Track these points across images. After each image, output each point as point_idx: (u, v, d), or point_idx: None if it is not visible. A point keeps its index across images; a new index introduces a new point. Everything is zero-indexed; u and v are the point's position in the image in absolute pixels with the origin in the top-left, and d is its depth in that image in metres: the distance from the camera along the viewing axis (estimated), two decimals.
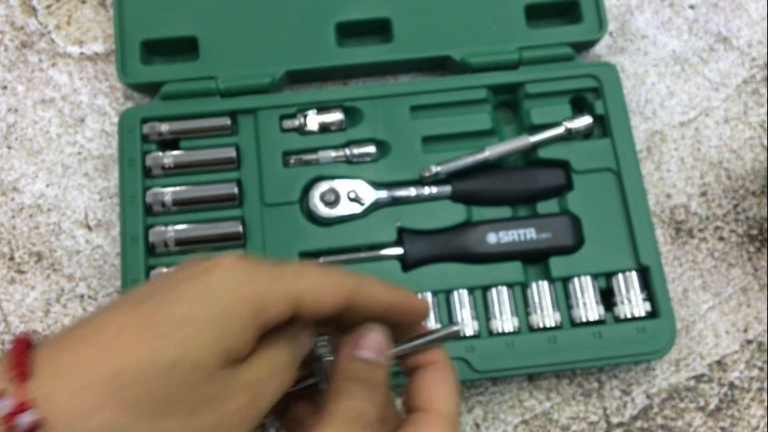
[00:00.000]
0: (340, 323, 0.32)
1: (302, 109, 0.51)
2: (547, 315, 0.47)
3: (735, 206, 0.53)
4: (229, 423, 0.27)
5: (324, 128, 0.51)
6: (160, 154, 0.50)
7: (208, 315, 0.27)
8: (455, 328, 0.35)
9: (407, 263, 0.48)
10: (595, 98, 0.51)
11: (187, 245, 0.48)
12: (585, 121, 0.49)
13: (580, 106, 0.52)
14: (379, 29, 0.54)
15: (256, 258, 0.30)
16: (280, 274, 0.29)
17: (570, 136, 0.50)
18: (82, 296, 0.50)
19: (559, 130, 0.49)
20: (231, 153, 0.50)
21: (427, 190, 0.49)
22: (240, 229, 0.48)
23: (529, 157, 0.51)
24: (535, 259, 0.49)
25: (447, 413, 0.32)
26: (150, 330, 0.26)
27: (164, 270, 0.47)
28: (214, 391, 0.27)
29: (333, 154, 0.50)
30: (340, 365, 0.31)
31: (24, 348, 0.26)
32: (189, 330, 0.26)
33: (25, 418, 0.24)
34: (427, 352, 0.34)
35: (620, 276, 0.48)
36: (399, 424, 0.32)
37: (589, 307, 0.47)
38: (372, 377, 0.31)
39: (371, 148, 0.50)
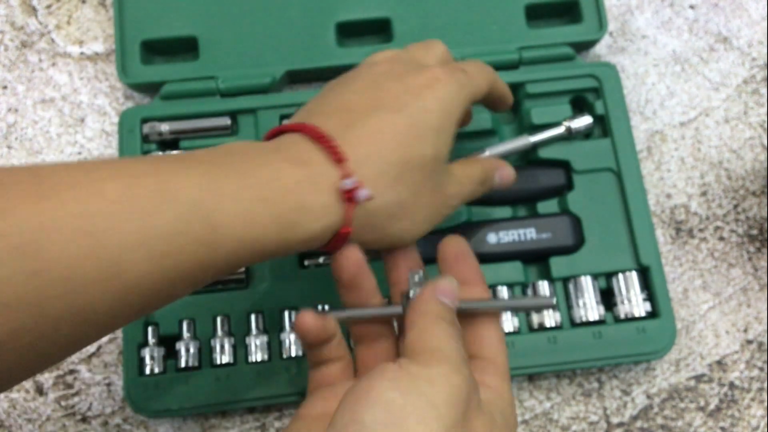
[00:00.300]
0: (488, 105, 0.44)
1: None
2: (547, 315, 0.47)
3: (735, 206, 0.53)
4: (447, 201, 0.38)
5: None
6: (161, 154, 0.50)
7: (448, 124, 0.36)
8: (551, 301, 0.37)
9: None
10: (595, 98, 0.51)
11: None
12: (585, 120, 0.49)
13: (580, 106, 0.52)
14: (379, 29, 0.54)
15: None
16: (468, 80, 0.38)
17: (570, 136, 0.50)
18: None
19: (559, 130, 0.49)
20: None
21: None
22: None
23: (529, 157, 0.51)
24: (535, 259, 0.49)
25: (504, 365, 0.35)
26: (416, 135, 0.35)
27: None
28: (443, 178, 0.37)
29: None
30: (421, 301, 0.34)
31: (330, 140, 0.33)
32: (440, 136, 0.36)
33: (363, 193, 0.33)
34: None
35: (620, 276, 0.48)
36: None
37: (589, 307, 0.47)
38: (447, 317, 0.33)
39: None
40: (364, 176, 0.33)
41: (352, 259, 0.36)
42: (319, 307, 0.47)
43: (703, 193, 0.53)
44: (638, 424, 0.48)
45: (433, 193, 0.36)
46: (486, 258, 0.48)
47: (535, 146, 0.50)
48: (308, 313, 0.35)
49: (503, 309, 0.39)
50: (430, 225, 0.37)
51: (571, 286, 0.48)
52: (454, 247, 0.38)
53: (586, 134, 0.51)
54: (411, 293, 0.36)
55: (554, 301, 0.37)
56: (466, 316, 0.36)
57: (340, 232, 0.33)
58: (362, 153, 0.34)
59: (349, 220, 0.33)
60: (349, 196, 0.33)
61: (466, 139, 0.51)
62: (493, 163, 0.43)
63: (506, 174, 0.43)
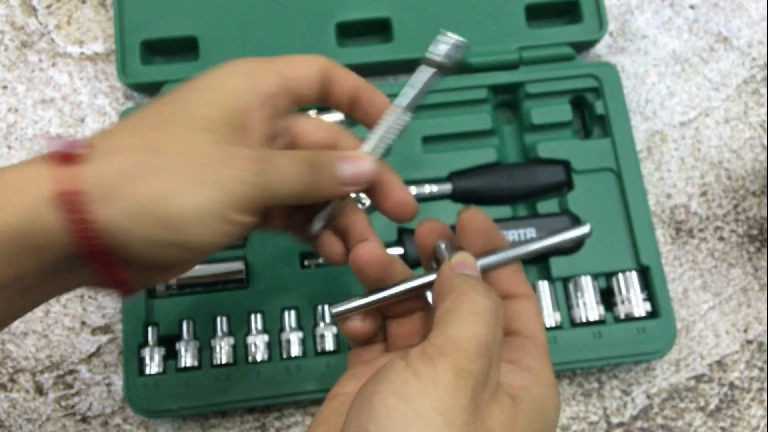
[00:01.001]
0: (327, 103, 0.37)
1: (302, 109, 0.51)
2: (547, 315, 0.47)
3: (735, 206, 0.53)
4: (234, 160, 0.30)
5: None
6: None
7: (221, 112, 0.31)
8: (586, 229, 0.33)
9: (408, 263, 0.48)
10: (596, 98, 0.51)
11: None
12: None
13: (580, 105, 0.52)
14: (379, 29, 0.54)
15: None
16: (271, 62, 0.35)
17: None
18: (82, 296, 0.50)
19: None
20: None
21: (427, 189, 0.49)
22: None
23: (528, 155, 0.51)
24: (536, 259, 0.49)
25: (545, 344, 0.33)
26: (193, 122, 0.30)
27: None
28: (224, 135, 0.31)
29: None
30: (441, 279, 0.31)
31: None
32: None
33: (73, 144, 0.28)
34: (517, 285, 0.33)
35: (620, 276, 0.47)
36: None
37: (590, 307, 0.47)
38: (467, 287, 0.30)
39: None
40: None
41: (369, 256, 0.32)
42: (321, 308, 0.47)
43: (703, 193, 0.53)
44: (638, 424, 0.48)
45: (196, 143, 0.29)
46: None
47: (535, 145, 0.50)
48: (366, 246, 0.33)
49: (532, 254, 0.34)
50: (214, 189, 0.29)
51: (571, 286, 0.48)
52: (476, 222, 0.34)
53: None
54: (437, 264, 0.33)
55: (589, 228, 0.33)
56: (499, 290, 0.33)
57: (67, 198, 0.26)
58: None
59: (70, 181, 0.27)
60: (62, 157, 0.27)
61: (467, 139, 0.51)
62: (347, 152, 0.36)
63: (357, 167, 0.35)
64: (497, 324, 0.28)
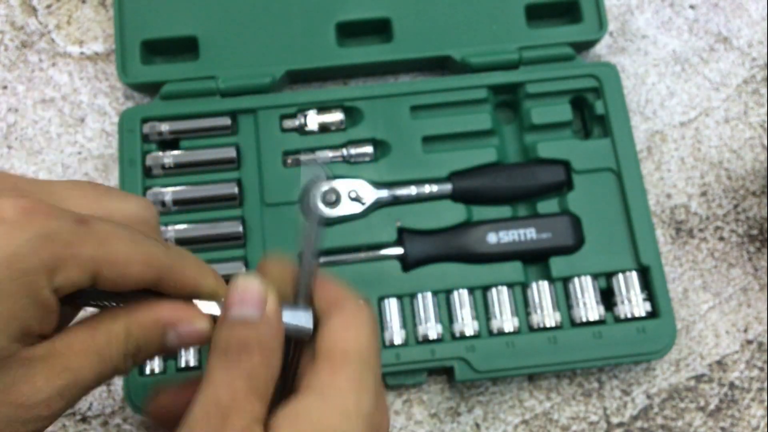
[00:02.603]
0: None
1: (302, 109, 0.51)
2: (547, 315, 0.47)
3: (735, 206, 0.53)
4: (29, 406, 0.23)
5: (324, 128, 0.51)
6: (161, 153, 0.50)
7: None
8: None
9: (407, 263, 0.48)
10: (596, 98, 0.51)
11: (187, 245, 0.48)
12: None
13: (580, 105, 0.52)
14: (379, 29, 0.54)
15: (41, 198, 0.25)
16: (82, 235, 0.24)
17: None
18: None
19: None
20: (231, 153, 0.50)
21: (427, 189, 0.49)
22: (240, 229, 0.48)
23: (528, 155, 0.51)
24: (535, 259, 0.49)
25: (351, 351, 0.27)
26: None
27: None
28: (12, 376, 0.23)
29: (330, 154, 0.50)
30: (214, 336, 0.26)
31: None
32: None
33: None
34: (331, 296, 0.29)
35: (620, 276, 0.47)
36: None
37: (589, 307, 0.47)
38: (252, 340, 0.25)
39: (369, 149, 0.50)
40: None
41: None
42: None
43: (703, 193, 0.53)
44: (638, 424, 0.48)
45: None
46: (486, 258, 0.48)
47: (535, 144, 0.50)
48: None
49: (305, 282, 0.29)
50: None
51: (571, 286, 0.48)
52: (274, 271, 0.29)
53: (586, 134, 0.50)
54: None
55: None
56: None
57: None
58: None
59: None
60: None
61: (467, 139, 0.51)
62: (168, 314, 0.26)
63: (187, 332, 0.26)
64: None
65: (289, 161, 0.50)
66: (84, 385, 0.25)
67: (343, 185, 0.49)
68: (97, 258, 0.24)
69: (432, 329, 0.46)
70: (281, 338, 0.27)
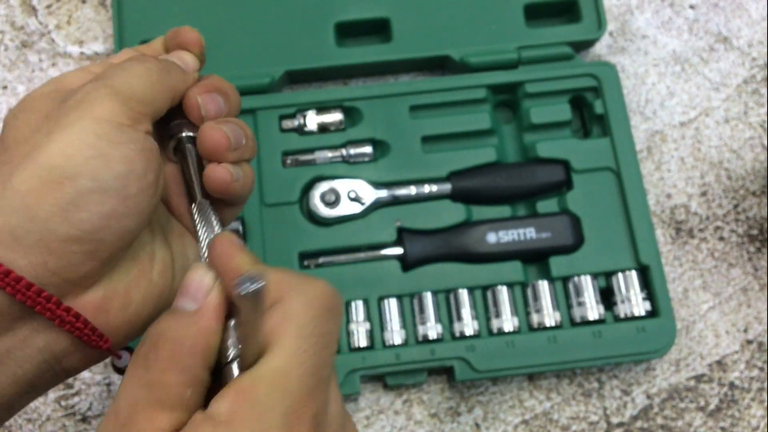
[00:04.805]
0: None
1: (301, 109, 0.51)
2: (547, 314, 0.47)
3: (735, 206, 0.52)
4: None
5: (323, 128, 0.51)
6: None
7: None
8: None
9: (407, 263, 0.48)
10: (595, 98, 0.51)
11: None
12: None
13: (579, 105, 0.52)
14: (379, 29, 0.54)
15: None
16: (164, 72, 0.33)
17: None
18: None
19: None
20: None
21: (427, 188, 0.49)
22: (240, 229, 0.48)
23: (528, 155, 0.51)
24: (535, 258, 0.49)
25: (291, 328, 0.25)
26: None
27: None
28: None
29: (329, 154, 0.50)
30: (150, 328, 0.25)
31: None
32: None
33: None
34: (274, 320, 0.25)
35: (620, 275, 0.47)
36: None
37: (589, 307, 0.47)
38: (167, 337, 0.24)
39: (368, 149, 0.50)
40: None
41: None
42: None
43: (703, 193, 0.53)
44: (638, 424, 0.48)
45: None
46: (486, 258, 0.48)
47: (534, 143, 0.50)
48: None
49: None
50: (76, 120, 0.27)
51: (570, 286, 0.48)
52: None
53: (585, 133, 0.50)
54: None
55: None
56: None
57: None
58: None
59: None
60: None
61: (466, 139, 0.51)
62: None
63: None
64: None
65: (289, 161, 0.50)
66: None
67: (342, 185, 0.49)
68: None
69: (432, 329, 0.46)
70: (213, 336, 0.25)
